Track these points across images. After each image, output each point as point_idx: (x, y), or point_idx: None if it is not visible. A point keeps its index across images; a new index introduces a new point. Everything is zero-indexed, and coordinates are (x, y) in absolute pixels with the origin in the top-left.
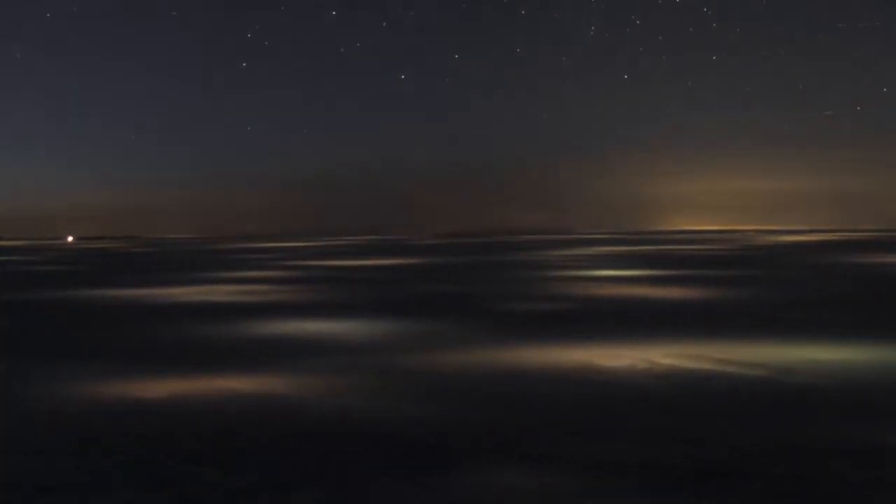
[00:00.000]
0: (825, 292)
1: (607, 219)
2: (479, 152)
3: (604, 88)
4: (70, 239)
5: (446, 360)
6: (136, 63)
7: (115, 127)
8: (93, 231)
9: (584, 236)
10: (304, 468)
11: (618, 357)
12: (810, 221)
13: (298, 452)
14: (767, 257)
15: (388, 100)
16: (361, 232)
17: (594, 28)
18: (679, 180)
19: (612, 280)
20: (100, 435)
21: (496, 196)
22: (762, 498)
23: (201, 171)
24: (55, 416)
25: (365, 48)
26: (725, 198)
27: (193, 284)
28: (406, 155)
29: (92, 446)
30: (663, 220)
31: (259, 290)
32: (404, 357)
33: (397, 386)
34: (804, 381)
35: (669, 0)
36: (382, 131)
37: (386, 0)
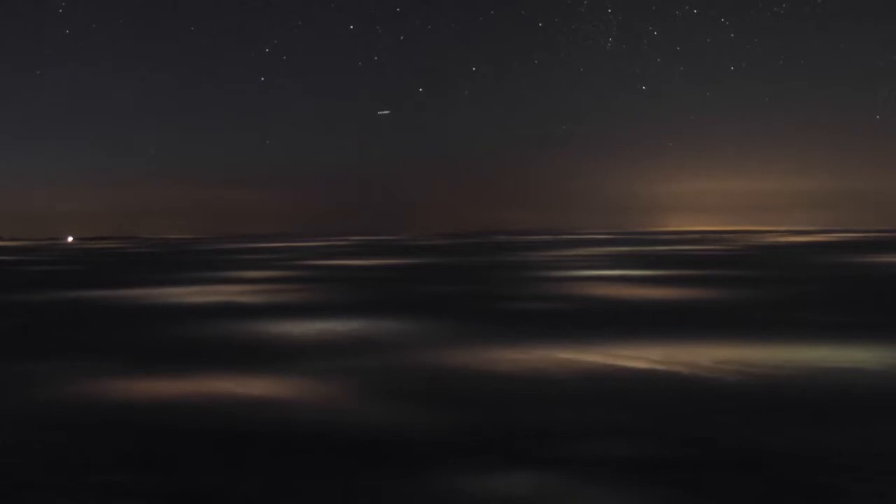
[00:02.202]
0: (822, 293)
1: (607, 219)
2: (491, 158)
3: (620, 98)
4: (70, 239)
5: (443, 361)
6: (149, 73)
7: (118, 130)
8: (93, 231)
9: (584, 237)
10: (284, 472)
11: (615, 357)
12: (811, 222)
13: (281, 455)
14: (767, 258)
15: (406, 112)
16: (360, 232)
17: (611, 39)
18: (679, 180)
19: (611, 280)
20: (85, 434)
21: (497, 197)
22: (743, 497)
23: (201, 171)
24: (43, 416)
25: (382, 61)
26: (725, 198)
27: (192, 284)
28: (412, 158)
29: (72, 444)
30: (663, 221)
31: (258, 290)
32: (402, 358)
33: (393, 388)
34: (804, 383)
35: (686, 10)
36: (394, 139)
37: (403, 13)
